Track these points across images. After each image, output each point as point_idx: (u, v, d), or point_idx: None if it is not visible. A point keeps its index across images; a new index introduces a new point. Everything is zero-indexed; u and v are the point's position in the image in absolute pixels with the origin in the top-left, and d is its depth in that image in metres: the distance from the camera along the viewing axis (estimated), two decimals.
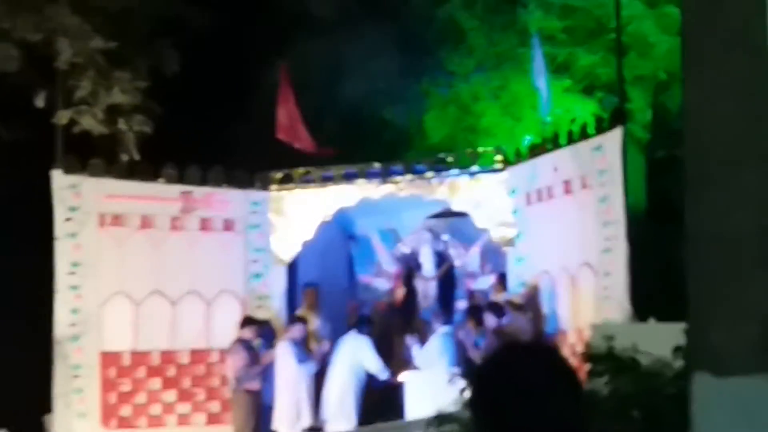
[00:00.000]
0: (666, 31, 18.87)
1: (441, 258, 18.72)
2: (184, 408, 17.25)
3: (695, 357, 5.58)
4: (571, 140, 15.95)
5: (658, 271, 16.42)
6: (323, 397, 16.71)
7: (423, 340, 17.05)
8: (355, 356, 16.71)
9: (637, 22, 18.85)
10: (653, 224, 17.96)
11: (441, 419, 10.23)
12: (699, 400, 5.52)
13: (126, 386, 17.01)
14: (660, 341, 10.10)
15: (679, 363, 9.68)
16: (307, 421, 16.45)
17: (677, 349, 9.85)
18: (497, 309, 15.86)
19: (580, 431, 3.05)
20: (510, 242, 17.12)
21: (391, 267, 19.09)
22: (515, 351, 3.25)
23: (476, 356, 15.58)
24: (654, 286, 15.43)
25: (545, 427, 3.01)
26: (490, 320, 15.70)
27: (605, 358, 9.92)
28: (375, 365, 16.76)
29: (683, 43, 5.89)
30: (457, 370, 15.07)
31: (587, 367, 10.02)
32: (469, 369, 15.14)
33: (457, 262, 18.74)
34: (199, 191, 17.59)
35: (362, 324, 17.16)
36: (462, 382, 10.75)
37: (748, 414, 5.48)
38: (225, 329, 17.05)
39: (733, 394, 5.48)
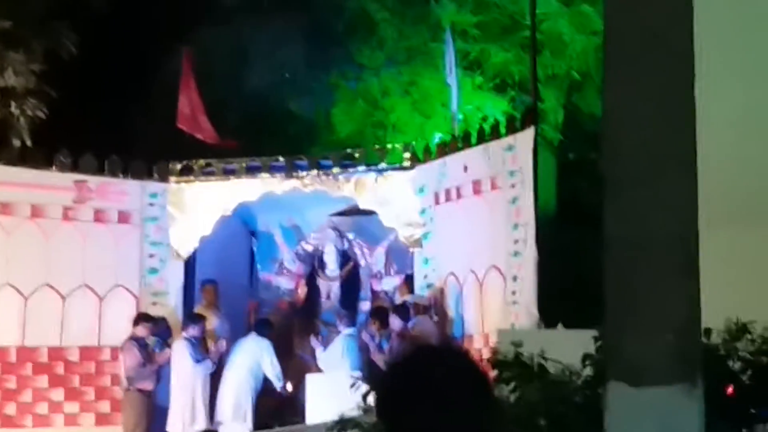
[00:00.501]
0: (581, 30, 18.71)
1: (345, 257, 18.33)
2: (72, 407, 16.62)
3: (610, 366, 5.42)
4: (482, 139, 15.63)
5: (567, 276, 16.22)
6: (218, 399, 16.27)
7: (325, 342, 16.63)
8: (254, 358, 16.31)
9: (552, 19, 18.69)
10: (563, 227, 17.76)
11: (343, 424, 9.74)
12: (614, 410, 5.44)
13: (11, 383, 16.35)
14: (568, 348, 9.90)
15: (587, 371, 9.48)
16: (202, 423, 15.99)
17: (586, 357, 9.62)
18: (403, 311, 15.47)
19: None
20: (417, 242, 16.80)
21: (293, 265, 18.66)
22: (423, 353, 3.18)
23: (380, 359, 15.19)
24: (562, 291, 15.23)
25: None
26: (395, 322, 15.29)
27: (512, 364, 9.68)
28: (273, 371, 16.39)
29: (605, 42, 5.71)
30: (360, 373, 14.68)
31: (494, 373, 9.68)
32: (372, 372, 14.73)
33: (361, 262, 18.39)
34: (93, 181, 16.96)
35: (262, 326, 16.78)
36: (365, 386, 10.35)
37: (663, 424, 5.43)
38: (118, 326, 16.50)
39: (648, 404, 5.44)
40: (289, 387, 16.48)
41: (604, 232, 5.36)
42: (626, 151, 5.30)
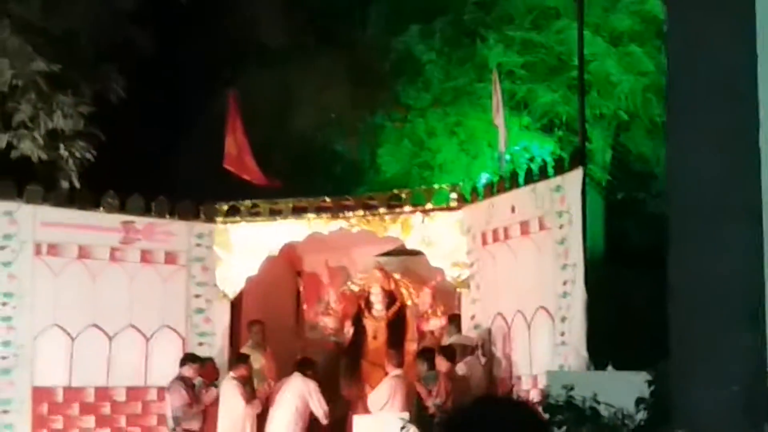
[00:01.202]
0: (629, 70, 18.61)
1: (392, 297, 18.18)
2: None
3: (676, 414, 5.30)
4: (530, 179, 15.51)
5: (616, 317, 16.07)
6: None
7: (372, 383, 16.54)
8: (301, 398, 16.26)
9: (600, 60, 18.59)
10: (611, 267, 17.62)
11: None
12: None
13: (58, 423, 16.34)
14: (620, 391, 9.82)
15: (641, 415, 9.40)
16: None
17: (640, 401, 9.53)
18: (449, 352, 15.32)
19: None
20: (464, 283, 16.64)
21: (339, 306, 18.52)
22: (488, 404, 3.18)
23: (429, 401, 15.04)
24: (611, 332, 15.08)
25: None
26: (442, 364, 15.16)
27: (564, 408, 9.61)
28: (320, 410, 16.32)
29: (668, 89, 5.61)
30: (408, 415, 14.59)
31: (546, 416, 9.58)
32: (420, 414, 14.63)
33: (408, 302, 18.22)
34: (140, 222, 17.00)
35: (306, 366, 16.66)
36: (414, 429, 10.31)
37: None
38: (164, 366, 16.53)
39: None
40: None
41: (669, 280, 5.27)
42: (691, 199, 5.20)
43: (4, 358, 16.00)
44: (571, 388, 9.17)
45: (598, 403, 9.37)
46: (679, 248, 5.21)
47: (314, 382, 16.40)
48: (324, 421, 16.34)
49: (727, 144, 5.13)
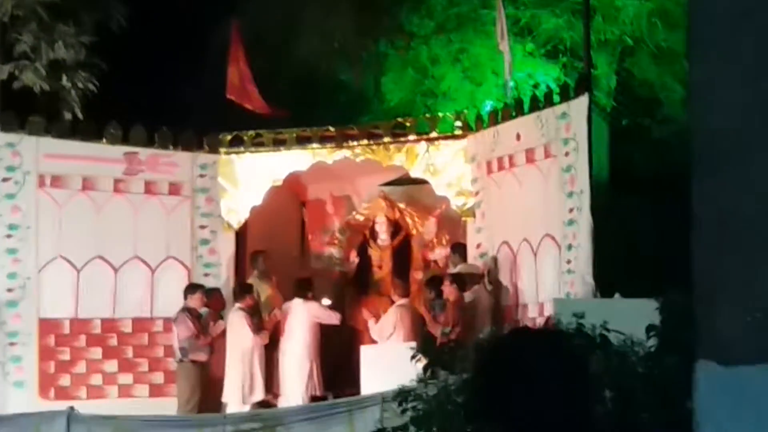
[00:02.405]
0: None
1: (397, 227, 18.15)
2: (125, 379, 16.64)
3: (700, 345, 5.26)
4: (535, 107, 15.42)
5: (622, 244, 16.05)
6: (281, 370, 16.29)
7: (378, 312, 16.56)
8: (308, 324, 16.32)
9: None
10: (616, 194, 17.58)
11: (403, 395, 9.65)
12: (704, 389, 5.22)
13: (65, 355, 16.39)
14: (628, 318, 9.79)
15: (651, 342, 9.35)
16: (260, 394, 16.01)
17: (651, 328, 9.48)
18: (460, 281, 15.29)
19: (588, 418, 2.98)
20: (469, 212, 16.59)
21: (344, 235, 18.49)
22: (522, 336, 3.15)
23: (436, 330, 15.05)
24: (618, 259, 15.07)
25: (555, 415, 2.93)
26: (451, 292, 15.14)
27: (574, 336, 9.56)
28: (328, 317, 16.48)
29: (690, 18, 5.47)
30: (414, 343, 14.60)
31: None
32: (427, 343, 14.62)
33: (413, 232, 18.20)
34: (144, 153, 16.91)
35: (303, 288, 16.67)
36: (423, 359, 10.27)
37: (754, 404, 5.19)
38: (170, 297, 16.49)
39: (738, 383, 5.22)
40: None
41: (693, 212, 5.20)
42: (713, 131, 5.13)
43: (10, 290, 16.01)
44: (582, 317, 9.13)
45: (608, 330, 9.32)
46: (703, 180, 5.13)
47: (314, 303, 16.48)
48: (336, 321, 16.54)
49: (753, 72, 5.04)
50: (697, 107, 5.26)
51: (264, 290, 17.01)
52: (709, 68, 5.15)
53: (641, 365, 8.96)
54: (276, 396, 16.32)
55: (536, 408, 2.90)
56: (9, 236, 16.02)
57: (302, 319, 16.32)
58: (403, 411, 9.56)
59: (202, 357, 15.79)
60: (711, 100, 5.12)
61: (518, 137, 15.68)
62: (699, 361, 5.22)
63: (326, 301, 16.80)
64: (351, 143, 17.23)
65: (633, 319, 9.49)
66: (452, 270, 16.29)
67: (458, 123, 16.90)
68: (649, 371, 8.74)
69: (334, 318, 16.51)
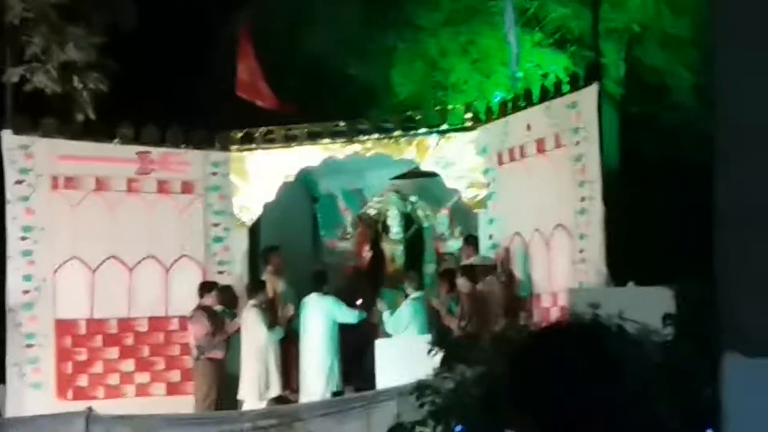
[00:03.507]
0: None
1: (409, 220, 18.19)
2: (142, 378, 16.72)
3: (725, 337, 5.26)
4: (545, 97, 15.43)
5: (634, 232, 16.05)
6: (301, 366, 16.34)
7: (391, 306, 16.59)
8: (327, 318, 16.34)
9: None
10: (627, 183, 17.57)
11: (421, 389, 9.68)
12: (730, 382, 5.22)
13: (82, 356, 16.46)
14: (643, 306, 9.77)
15: (667, 330, 9.35)
16: (276, 389, 16.04)
17: (667, 317, 9.49)
18: (471, 273, 15.32)
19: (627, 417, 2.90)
20: (481, 203, 16.61)
21: (356, 230, 18.53)
22: (561, 333, 3.06)
23: (451, 322, 15.08)
24: (630, 248, 15.07)
25: (596, 415, 2.87)
26: (463, 284, 15.18)
27: (590, 325, 9.53)
28: (346, 316, 16.46)
29: (712, 11, 5.45)
30: (429, 337, 14.65)
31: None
32: (441, 336, 14.66)
33: (425, 225, 18.23)
34: (156, 152, 16.97)
35: (320, 282, 16.72)
36: (440, 353, 10.30)
37: None
38: (184, 296, 16.56)
39: (765, 375, 5.20)
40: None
41: (715, 201, 5.20)
42: (738, 118, 5.12)
43: (25, 292, 16.08)
44: (597, 306, 9.15)
45: (624, 319, 9.32)
46: (727, 172, 5.12)
47: (331, 297, 16.51)
48: (355, 320, 16.50)
49: None
50: (721, 99, 5.25)
51: (277, 286, 17.04)
52: (732, 56, 5.15)
53: (658, 354, 8.98)
54: (294, 391, 16.37)
55: (571, 410, 2.87)
56: (23, 238, 16.08)
57: (320, 314, 16.35)
58: (421, 405, 9.59)
59: (218, 354, 15.84)
60: (736, 92, 5.12)
61: (528, 128, 15.69)
62: (725, 353, 5.24)
63: (359, 302, 16.72)
64: (361, 138, 17.25)
65: (648, 307, 9.49)
66: (465, 262, 16.31)
67: (468, 115, 16.91)
68: (665, 360, 8.77)
69: (349, 316, 16.49)
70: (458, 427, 9.15)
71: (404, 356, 14.18)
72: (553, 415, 2.87)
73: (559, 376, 2.87)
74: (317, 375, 16.20)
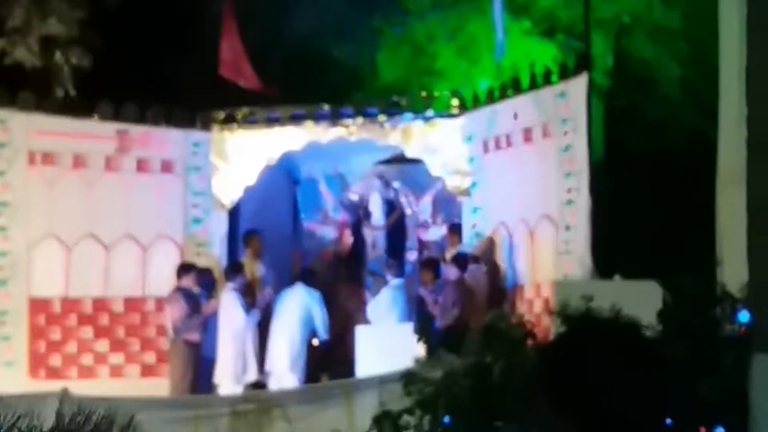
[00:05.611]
0: None
1: (391, 206, 18.07)
2: (117, 359, 16.49)
3: (757, 339, 5.14)
4: (533, 86, 15.27)
5: (620, 225, 15.94)
6: (270, 349, 16.13)
7: (372, 292, 16.46)
8: (306, 308, 16.16)
9: None
10: (612, 175, 17.45)
11: (409, 378, 9.47)
12: (760, 382, 5.12)
13: (56, 335, 16.24)
14: (631, 299, 9.59)
15: (659, 324, 9.20)
16: (253, 374, 15.87)
17: (662, 312, 9.34)
18: (461, 262, 15.17)
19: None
20: (465, 191, 16.50)
21: (338, 214, 18.39)
22: (596, 331, 2.98)
23: (436, 311, 14.92)
24: (616, 240, 14.96)
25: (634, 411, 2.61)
26: (451, 273, 15.03)
27: (582, 318, 9.42)
28: (321, 323, 16.25)
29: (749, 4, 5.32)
30: (410, 325, 14.52)
31: (560, 327, 9.41)
32: (425, 324, 14.52)
33: (408, 211, 18.12)
34: (136, 130, 16.71)
35: (307, 276, 16.54)
36: (427, 342, 10.15)
37: None
38: (162, 276, 16.40)
39: None
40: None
41: (749, 199, 5.06)
42: None
43: None
44: (591, 299, 8.99)
45: (617, 313, 9.18)
46: (758, 164, 4.97)
47: (318, 292, 16.33)
48: (323, 335, 16.26)
49: None
50: (754, 97, 5.12)
51: (256, 270, 16.86)
52: (766, 48, 5.02)
53: (651, 347, 8.85)
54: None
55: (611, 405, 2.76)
56: None
57: (300, 302, 16.18)
58: (408, 393, 9.40)
59: (195, 337, 15.64)
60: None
61: (515, 116, 15.55)
62: (756, 355, 5.15)
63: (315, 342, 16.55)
64: (346, 122, 17.04)
65: (636, 300, 9.34)
66: (449, 250, 16.18)
67: (454, 101, 16.75)
68: (659, 353, 8.68)
69: (323, 321, 16.26)
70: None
71: (385, 343, 14.06)
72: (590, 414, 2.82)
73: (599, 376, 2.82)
74: (288, 362, 15.98)
